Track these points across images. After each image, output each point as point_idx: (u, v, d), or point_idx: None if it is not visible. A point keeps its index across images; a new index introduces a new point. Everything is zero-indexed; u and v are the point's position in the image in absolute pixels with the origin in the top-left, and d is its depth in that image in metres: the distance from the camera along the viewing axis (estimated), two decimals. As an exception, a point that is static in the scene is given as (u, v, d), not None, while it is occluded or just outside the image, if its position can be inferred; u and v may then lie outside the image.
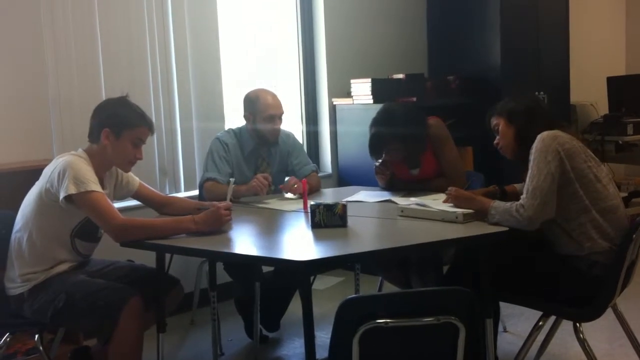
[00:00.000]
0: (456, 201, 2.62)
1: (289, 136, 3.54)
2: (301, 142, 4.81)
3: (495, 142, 2.73)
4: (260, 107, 3.33)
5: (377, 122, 3.20)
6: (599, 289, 2.42)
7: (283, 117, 3.41)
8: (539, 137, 2.47)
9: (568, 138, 2.48)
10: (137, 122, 2.62)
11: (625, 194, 5.20)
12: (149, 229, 2.52)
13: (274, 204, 3.12)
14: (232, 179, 2.83)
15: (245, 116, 3.42)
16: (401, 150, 3.16)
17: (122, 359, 2.46)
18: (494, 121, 2.72)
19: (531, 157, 2.46)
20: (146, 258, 2.76)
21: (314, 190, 3.33)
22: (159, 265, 2.68)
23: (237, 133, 3.44)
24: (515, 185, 2.88)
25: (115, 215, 2.49)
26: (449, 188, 2.68)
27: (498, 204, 2.48)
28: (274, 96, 3.39)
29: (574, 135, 2.58)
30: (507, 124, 2.66)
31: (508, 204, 2.45)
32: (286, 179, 3.31)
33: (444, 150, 3.23)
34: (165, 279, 2.76)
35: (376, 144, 3.18)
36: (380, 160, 3.22)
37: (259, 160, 3.43)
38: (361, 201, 3.11)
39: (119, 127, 2.59)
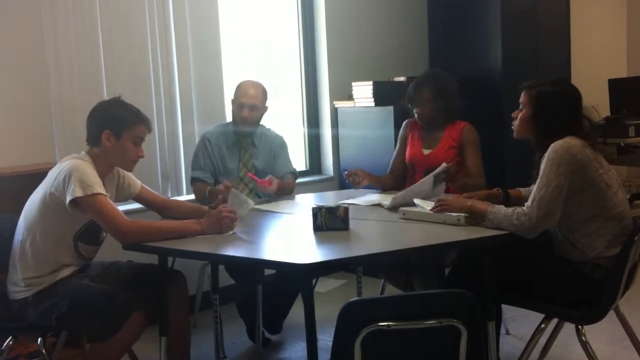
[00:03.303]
0: (449, 208, 2.59)
1: (278, 138, 3.61)
2: (303, 144, 4.85)
3: (513, 114, 2.66)
4: (236, 93, 3.50)
5: (422, 75, 3.50)
6: (601, 292, 2.42)
7: (264, 112, 3.52)
8: (552, 146, 2.42)
9: (580, 147, 2.41)
10: (134, 120, 2.65)
11: (627, 197, 5.19)
12: (155, 231, 2.54)
13: (270, 206, 3.14)
14: (233, 189, 2.87)
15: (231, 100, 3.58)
16: (434, 102, 3.35)
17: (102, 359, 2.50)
18: (523, 98, 2.61)
19: (542, 165, 2.43)
20: (147, 260, 2.75)
21: (285, 192, 3.40)
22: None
23: (227, 124, 3.61)
24: (521, 189, 2.85)
25: (121, 217, 2.50)
26: (436, 203, 2.65)
27: (497, 210, 2.45)
28: (255, 87, 3.49)
29: (588, 137, 2.50)
30: (530, 116, 2.57)
31: (510, 209, 2.43)
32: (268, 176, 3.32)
33: (475, 153, 3.37)
34: (165, 271, 2.74)
35: (415, 89, 3.40)
36: (348, 170, 3.36)
37: (242, 151, 3.51)
38: (363, 204, 3.11)
39: (119, 128, 2.60)
